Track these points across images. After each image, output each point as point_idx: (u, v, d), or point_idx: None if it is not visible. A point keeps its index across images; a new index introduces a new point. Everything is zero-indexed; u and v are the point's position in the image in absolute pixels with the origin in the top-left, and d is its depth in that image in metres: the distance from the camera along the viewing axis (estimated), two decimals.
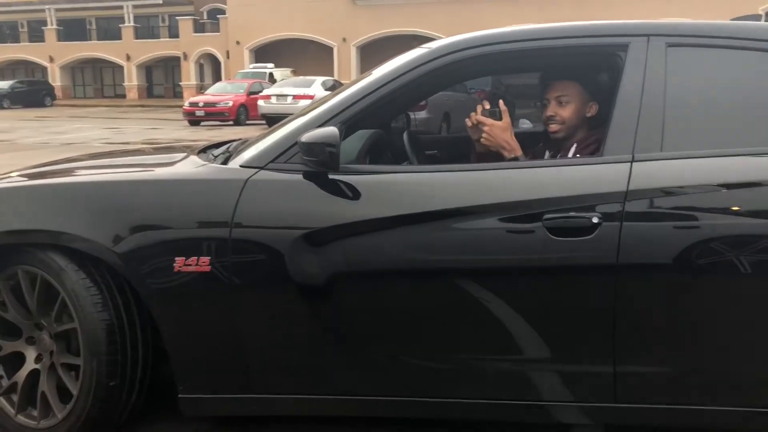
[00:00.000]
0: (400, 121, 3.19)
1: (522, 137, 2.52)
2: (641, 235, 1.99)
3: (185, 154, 2.63)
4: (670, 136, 2.06)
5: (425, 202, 2.11)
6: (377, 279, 2.14)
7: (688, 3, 27.21)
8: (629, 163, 2.03)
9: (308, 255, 2.10)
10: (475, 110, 2.48)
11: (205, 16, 42.13)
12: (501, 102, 2.45)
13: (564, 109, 2.44)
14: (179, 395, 2.25)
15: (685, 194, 2.00)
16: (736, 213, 1.99)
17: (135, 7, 42.50)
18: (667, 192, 2.00)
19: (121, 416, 2.32)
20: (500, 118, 2.42)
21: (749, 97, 2.15)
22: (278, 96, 20.04)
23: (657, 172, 2.02)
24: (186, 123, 21.50)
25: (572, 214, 2.00)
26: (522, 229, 2.05)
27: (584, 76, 2.46)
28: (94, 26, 45.81)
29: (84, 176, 2.62)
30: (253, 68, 28.79)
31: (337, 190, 2.12)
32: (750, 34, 2.16)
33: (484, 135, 2.41)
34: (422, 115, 10.26)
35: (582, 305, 2.05)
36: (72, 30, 44.33)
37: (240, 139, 2.95)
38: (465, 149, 2.76)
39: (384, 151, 2.74)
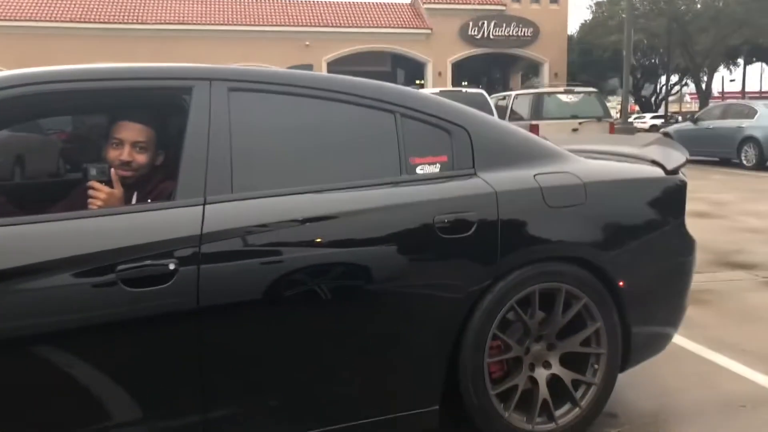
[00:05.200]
0: None
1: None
2: (220, 276, 2.00)
3: None
4: (240, 177, 2.12)
5: None
6: None
7: (264, 51, 29.48)
8: (202, 206, 2.03)
9: None
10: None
11: None
12: (113, 171, 2.23)
13: (141, 156, 2.35)
14: None
15: (261, 232, 2.08)
16: (311, 245, 2.13)
17: None
18: (240, 231, 2.05)
19: None
20: (111, 184, 2.20)
21: (308, 138, 2.32)
22: None
23: (230, 212, 2.06)
24: None
25: (148, 262, 1.92)
26: (96, 283, 1.90)
27: (154, 121, 2.40)
28: None
29: None
30: None
31: None
32: (305, 82, 2.35)
33: (98, 203, 2.16)
34: None
35: (168, 356, 1.98)
36: None
37: None
38: (45, 196, 2.47)
39: None
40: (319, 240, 2.15)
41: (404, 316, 2.26)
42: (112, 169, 2.23)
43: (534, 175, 2.48)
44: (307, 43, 32.15)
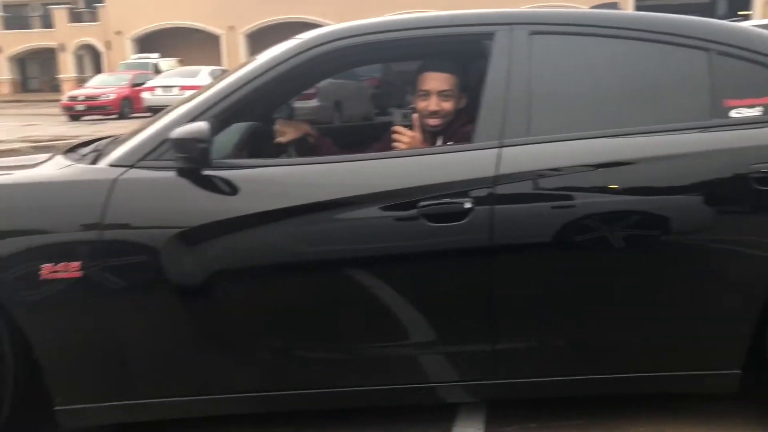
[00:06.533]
0: (284, 112, 3.16)
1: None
2: (512, 217, 2.07)
3: (50, 154, 2.50)
4: (537, 121, 2.14)
5: (303, 195, 2.10)
6: (259, 274, 2.11)
7: None
8: (498, 149, 2.10)
9: (185, 254, 2.05)
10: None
11: (81, 5, 39.89)
12: (415, 117, 2.46)
13: (447, 103, 2.49)
14: (55, 407, 2.14)
15: (553, 176, 2.09)
16: (603, 191, 2.10)
17: None
18: (534, 174, 2.09)
19: None
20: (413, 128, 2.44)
21: (608, 81, 2.26)
22: (164, 87, 19.44)
23: (524, 155, 2.10)
24: (65, 118, 20.37)
25: (446, 200, 2.06)
26: (401, 217, 2.09)
27: (456, 67, 2.51)
28: None
29: None
30: (137, 59, 27.60)
31: (212, 186, 2.09)
32: (607, 21, 2.27)
33: (402, 146, 2.39)
34: (312, 104, 10.20)
35: (461, 287, 2.11)
36: None
37: (110, 137, 2.83)
38: (359, 138, 2.79)
39: (265, 144, 2.71)
40: (613, 186, 2.09)
41: (706, 271, 2.11)
42: (414, 115, 2.40)
43: None
44: None
